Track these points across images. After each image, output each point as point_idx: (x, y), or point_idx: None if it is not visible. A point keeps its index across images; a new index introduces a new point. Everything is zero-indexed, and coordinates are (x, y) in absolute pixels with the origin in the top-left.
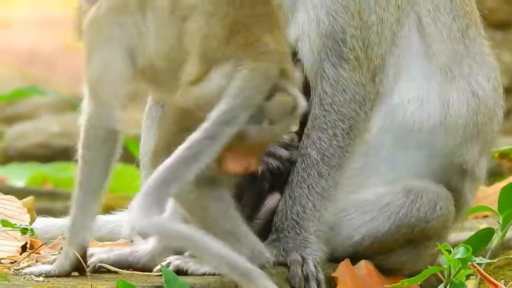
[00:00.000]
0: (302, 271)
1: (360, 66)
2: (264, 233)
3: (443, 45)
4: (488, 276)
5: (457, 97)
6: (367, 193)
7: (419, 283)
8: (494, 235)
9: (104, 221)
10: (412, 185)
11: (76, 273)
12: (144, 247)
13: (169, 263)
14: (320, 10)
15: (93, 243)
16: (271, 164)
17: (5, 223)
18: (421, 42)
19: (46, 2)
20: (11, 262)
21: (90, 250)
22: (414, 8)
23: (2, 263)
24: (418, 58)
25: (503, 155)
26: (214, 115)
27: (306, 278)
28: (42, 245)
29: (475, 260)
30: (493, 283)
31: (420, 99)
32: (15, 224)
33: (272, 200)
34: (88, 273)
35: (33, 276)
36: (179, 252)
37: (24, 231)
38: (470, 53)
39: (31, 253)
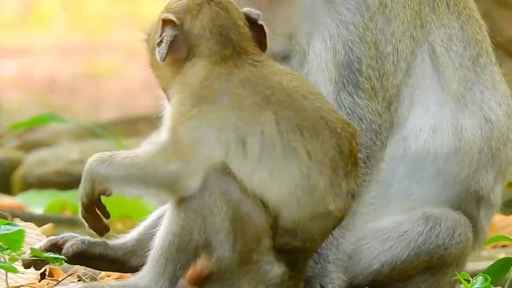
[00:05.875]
0: None
1: (376, 95)
2: None
3: (455, 73)
4: None
5: (470, 123)
6: (385, 221)
7: None
8: None
9: None
10: (431, 212)
11: None
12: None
13: None
14: (337, 41)
15: None
16: None
17: (34, 251)
18: (433, 71)
19: (66, 30)
20: None
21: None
22: (428, 38)
23: None
24: (431, 86)
25: None
26: None
27: None
28: (67, 276)
29: None
30: None
31: (433, 126)
32: (44, 253)
33: None
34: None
35: None
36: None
37: (54, 260)
38: (481, 80)
39: (58, 282)
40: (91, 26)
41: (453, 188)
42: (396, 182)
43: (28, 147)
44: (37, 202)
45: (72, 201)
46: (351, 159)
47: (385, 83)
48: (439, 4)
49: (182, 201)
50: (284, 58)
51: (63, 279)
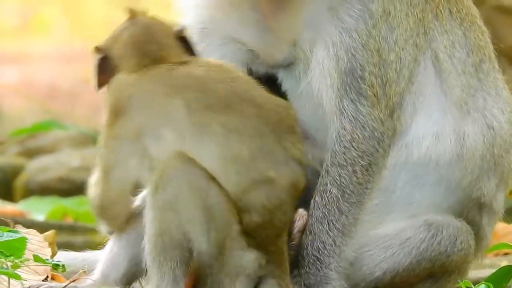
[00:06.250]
0: None
1: (379, 102)
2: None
3: (458, 79)
4: None
5: (472, 130)
6: (387, 228)
7: None
8: None
9: None
10: (433, 220)
11: None
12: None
13: None
14: (340, 48)
15: None
16: None
17: (37, 259)
18: (436, 77)
19: (67, 36)
20: None
21: None
22: (431, 45)
23: None
24: (434, 93)
25: None
26: None
27: None
28: (70, 283)
29: None
30: None
31: (436, 133)
32: (47, 260)
33: (299, 222)
34: None
35: None
36: None
37: (55, 267)
38: (484, 87)
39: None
40: (92, 32)
41: (455, 195)
42: (398, 189)
43: (30, 153)
44: (38, 209)
45: (74, 207)
46: (281, 125)
47: (388, 91)
48: (442, 11)
49: (153, 201)
50: (289, 65)
51: (65, 286)
